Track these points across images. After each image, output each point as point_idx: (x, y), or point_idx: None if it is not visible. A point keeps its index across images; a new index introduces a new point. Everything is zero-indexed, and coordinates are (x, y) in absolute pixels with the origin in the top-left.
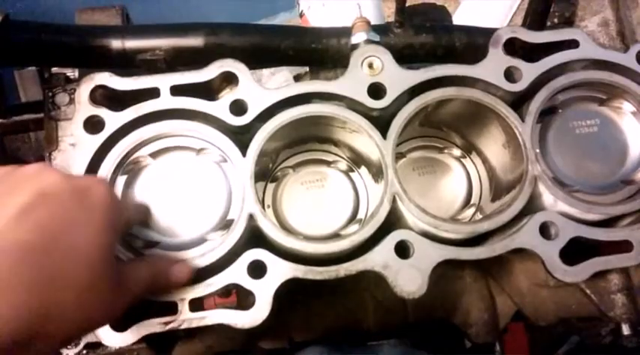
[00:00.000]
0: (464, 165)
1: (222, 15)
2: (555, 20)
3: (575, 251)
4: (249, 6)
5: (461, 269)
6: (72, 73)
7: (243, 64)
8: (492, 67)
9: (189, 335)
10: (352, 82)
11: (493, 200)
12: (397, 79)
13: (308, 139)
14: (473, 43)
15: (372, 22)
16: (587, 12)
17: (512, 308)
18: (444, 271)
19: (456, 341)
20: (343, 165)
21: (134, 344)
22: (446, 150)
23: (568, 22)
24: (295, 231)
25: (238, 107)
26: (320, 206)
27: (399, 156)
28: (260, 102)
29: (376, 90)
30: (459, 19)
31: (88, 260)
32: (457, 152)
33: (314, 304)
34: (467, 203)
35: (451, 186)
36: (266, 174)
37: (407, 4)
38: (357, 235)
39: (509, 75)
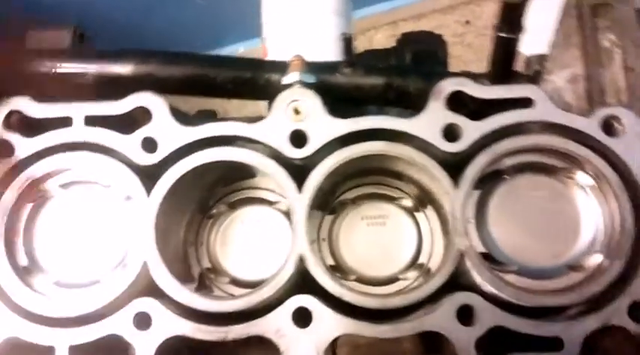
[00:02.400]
0: (416, 220)
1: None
2: (529, 71)
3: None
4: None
5: None
6: None
7: (160, 98)
8: (430, 122)
9: None
10: (274, 128)
11: None
12: (323, 127)
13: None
14: (429, 89)
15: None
16: (557, 64)
17: None
18: None
19: None
20: (409, 202)
21: None
22: (398, 201)
23: (535, 75)
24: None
25: (149, 144)
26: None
27: (348, 202)
28: (173, 141)
29: (298, 138)
30: None
31: None
32: (410, 204)
33: (240, 352)
34: (414, 262)
35: (399, 241)
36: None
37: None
38: (252, 296)
39: (449, 133)
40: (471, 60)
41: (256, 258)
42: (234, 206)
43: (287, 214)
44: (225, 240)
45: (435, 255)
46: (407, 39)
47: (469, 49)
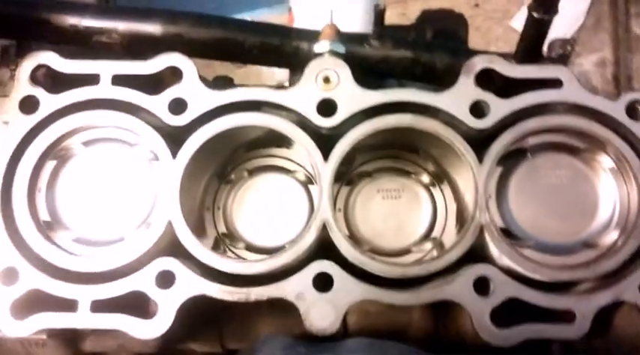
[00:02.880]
0: (432, 195)
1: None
2: (553, 54)
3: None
4: None
5: None
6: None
7: (190, 60)
8: (459, 98)
9: (100, 333)
10: (303, 95)
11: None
12: (352, 97)
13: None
14: (456, 66)
15: (358, 27)
16: (585, 48)
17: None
18: None
19: None
20: (426, 178)
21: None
22: (415, 176)
23: (564, 57)
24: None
25: (178, 106)
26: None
27: (364, 175)
28: (201, 104)
29: (327, 107)
30: (518, 23)
31: None
32: (427, 179)
33: (251, 316)
34: (427, 235)
35: (414, 215)
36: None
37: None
38: (274, 260)
39: (477, 109)
40: (478, 43)
41: (272, 225)
42: (252, 173)
43: (304, 184)
44: (241, 205)
45: (448, 230)
46: (428, 16)
47: (477, 32)
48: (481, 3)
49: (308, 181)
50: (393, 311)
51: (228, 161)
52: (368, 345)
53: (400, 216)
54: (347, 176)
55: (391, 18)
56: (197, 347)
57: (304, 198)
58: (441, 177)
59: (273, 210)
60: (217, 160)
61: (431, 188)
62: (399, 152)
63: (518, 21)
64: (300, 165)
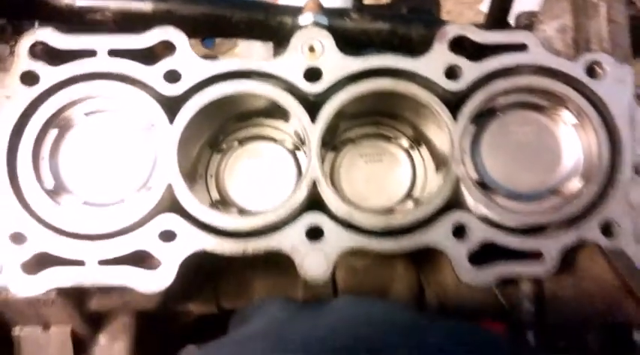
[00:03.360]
0: (411, 157)
1: None
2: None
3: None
4: None
5: (393, 258)
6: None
7: (183, 33)
8: (433, 62)
9: (106, 290)
10: (290, 64)
11: None
12: (336, 64)
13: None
14: (430, 36)
15: (339, 4)
16: (548, 16)
17: (439, 302)
18: (377, 257)
19: None
20: (405, 142)
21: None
22: (395, 140)
23: (529, 27)
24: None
25: (172, 76)
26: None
27: (348, 141)
28: (195, 74)
29: (313, 74)
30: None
31: None
32: (406, 143)
33: (245, 274)
34: (408, 195)
35: (395, 176)
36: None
37: None
38: (269, 214)
39: (450, 72)
40: None
41: (263, 191)
42: (242, 142)
43: (292, 151)
44: (233, 173)
45: (427, 189)
46: None
47: (448, 15)
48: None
49: (295, 148)
50: (378, 267)
51: (219, 131)
52: (355, 301)
53: (382, 178)
54: (332, 143)
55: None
56: (194, 307)
57: (292, 165)
58: (419, 140)
59: (264, 176)
60: (209, 130)
61: (410, 151)
62: (379, 119)
63: (488, 4)
64: (288, 134)
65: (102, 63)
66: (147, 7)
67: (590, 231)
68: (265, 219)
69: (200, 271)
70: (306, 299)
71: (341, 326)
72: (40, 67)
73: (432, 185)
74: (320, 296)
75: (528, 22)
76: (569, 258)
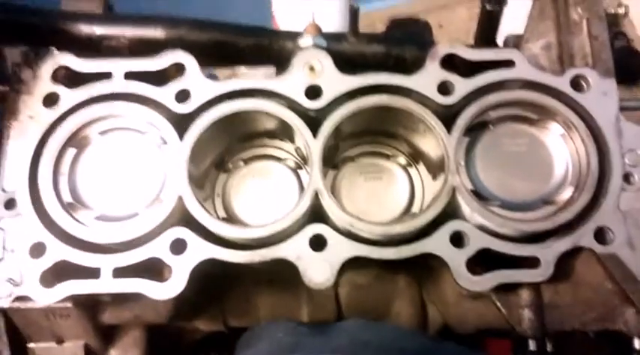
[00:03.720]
0: (409, 174)
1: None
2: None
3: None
4: None
5: (395, 274)
6: None
7: (191, 56)
8: (427, 79)
9: (118, 303)
10: (292, 82)
11: None
12: (335, 82)
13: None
14: (423, 57)
15: (336, 29)
16: (533, 34)
17: (442, 318)
18: (379, 273)
19: None
20: (402, 159)
21: (64, 306)
22: (393, 158)
23: (515, 46)
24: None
25: (183, 95)
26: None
27: (348, 159)
28: (203, 93)
29: (313, 92)
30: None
31: None
32: (403, 160)
33: (250, 292)
34: (408, 209)
35: (394, 193)
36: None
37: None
38: (274, 225)
39: (443, 88)
40: None
41: (267, 208)
42: (247, 162)
43: (294, 170)
44: (239, 192)
45: (426, 205)
46: (395, 23)
47: None
48: (445, 24)
49: (297, 167)
50: (380, 283)
51: (225, 152)
52: (363, 325)
53: (382, 195)
54: (332, 161)
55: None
56: (202, 325)
57: (295, 183)
58: (416, 157)
59: (268, 194)
60: (215, 151)
61: (408, 168)
62: (377, 138)
63: None
64: (290, 153)
65: (117, 85)
66: (159, 34)
67: (585, 237)
68: (271, 230)
69: (207, 289)
70: (310, 316)
71: (350, 352)
72: (60, 90)
73: (430, 200)
74: (324, 312)
75: (516, 44)
76: (565, 265)
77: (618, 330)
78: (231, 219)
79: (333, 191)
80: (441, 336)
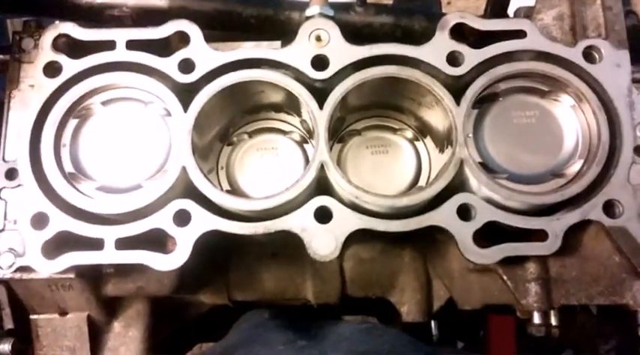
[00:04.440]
0: (415, 148)
1: None
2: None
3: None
4: None
5: (400, 248)
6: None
7: (196, 25)
8: (436, 49)
9: (121, 275)
10: (298, 52)
11: None
12: (342, 53)
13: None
14: (432, 28)
15: None
16: (545, 5)
17: (447, 292)
18: (384, 248)
19: None
20: (409, 133)
21: (67, 277)
22: (400, 132)
23: (527, 17)
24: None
25: (187, 65)
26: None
27: (354, 133)
28: (208, 63)
29: (320, 62)
30: None
31: None
32: (410, 134)
33: (255, 266)
34: (415, 184)
35: (401, 166)
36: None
37: None
38: (279, 196)
39: (452, 59)
40: None
41: (272, 182)
42: (251, 134)
43: (299, 143)
44: (243, 165)
45: (431, 179)
46: None
47: None
48: (453, 0)
49: (303, 141)
50: (385, 258)
51: (229, 125)
52: (361, 332)
53: (388, 168)
54: (338, 134)
55: None
56: (206, 298)
57: (300, 157)
58: (423, 131)
59: (273, 168)
60: (220, 123)
61: (415, 142)
62: (384, 111)
63: None
64: (295, 127)
65: (120, 54)
66: (163, 3)
67: (593, 210)
68: (275, 202)
69: (211, 262)
70: (314, 290)
71: None
72: (62, 59)
73: (437, 173)
74: (329, 286)
75: (527, 15)
76: (573, 238)
77: (624, 305)
78: (235, 192)
79: (339, 164)
80: (446, 314)
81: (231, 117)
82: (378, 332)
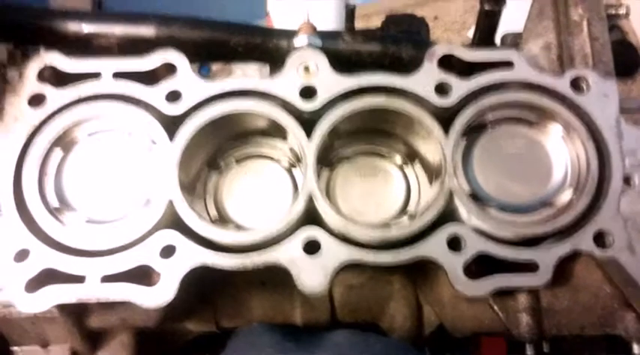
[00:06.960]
0: (404, 173)
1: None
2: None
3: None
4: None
5: (390, 275)
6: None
7: (183, 55)
8: (424, 79)
9: (105, 308)
10: (286, 83)
11: None
12: (330, 83)
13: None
14: (420, 56)
15: (331, 27)
16: (532, 34)
17: (438, 318)
18: (373, 275)
19: None
20: (398, 158)
21: (49, 310)
22: (389, 157)
23: (514, 45)
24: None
25: (174, 97)
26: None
27: (343, 158)
28: (195, 95)
29: (308, 93)
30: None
31: None
32: (399, 160)
33: (243, 293)
34: (403, 210)
35: (390, 192)
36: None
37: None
38: (267, 229)
39: (440, 89)
40: None
41: (260, 209)
42: (239, 160)
43: (288, 170)
44: (231, 191)
45: (422, 204)
46: (391, 20)
47: (437, 42)
48: (440, 16)
49: (291, 166)
50: (375, 284)
51: (217, 151)
52: (353, 339)
53: (377, 194)
54: (327, 160)
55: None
56: (193, 326)
57: (289, 183)
58: (412, 157)
59: (261, 194)
60: (208, 150)
61: (404, 167)
62: (373, 137)
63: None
64: (284, 152)
65: (106, 85)
66: (150, 32)
67: (584, 241)
68: (264, 234)
69: (199, 291)
70: (304, 317)
71: None
72: (47, 90)
73: (427, 200)
74: (318, 313)
75: (513, 43)
76: (564, 269)
77: (617, 335)
78: (222, 218)
79: (328, 190)
80: (437, 338)
81: (219, 144)
82: (369, 340)
